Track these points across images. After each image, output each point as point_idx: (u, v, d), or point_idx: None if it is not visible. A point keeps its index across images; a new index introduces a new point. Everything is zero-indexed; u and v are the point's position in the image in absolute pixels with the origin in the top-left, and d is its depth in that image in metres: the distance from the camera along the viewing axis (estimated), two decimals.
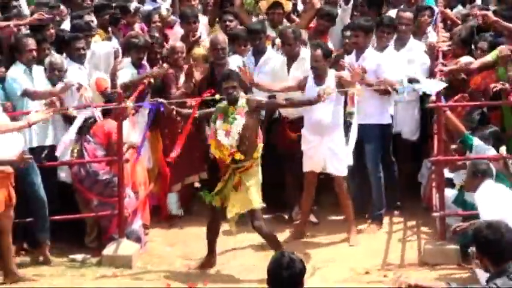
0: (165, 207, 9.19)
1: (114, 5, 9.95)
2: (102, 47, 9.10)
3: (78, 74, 8.60)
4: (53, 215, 7.99)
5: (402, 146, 9.29)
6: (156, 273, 7.91)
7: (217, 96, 7.97)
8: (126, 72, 8.84)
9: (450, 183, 8.12)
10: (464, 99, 8.20)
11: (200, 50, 9.49)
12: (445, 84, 7.94)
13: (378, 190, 8.71)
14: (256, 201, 7.64)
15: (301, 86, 8.25)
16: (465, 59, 8.74)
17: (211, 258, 7.95)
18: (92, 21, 9.56)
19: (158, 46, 9.29)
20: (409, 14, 9.22)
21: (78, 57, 8.68)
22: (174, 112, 7.97)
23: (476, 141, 7.83)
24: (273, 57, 9.08)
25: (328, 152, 8.17)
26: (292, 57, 8.75)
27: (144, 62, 9.10)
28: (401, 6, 9.89)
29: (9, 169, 7.35)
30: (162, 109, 8.16)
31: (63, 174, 8.50)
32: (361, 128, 8.35)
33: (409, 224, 8.84)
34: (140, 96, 8.64)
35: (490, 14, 8.59)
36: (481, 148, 7.79)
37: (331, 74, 8.14)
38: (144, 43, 9.05)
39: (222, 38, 9.06)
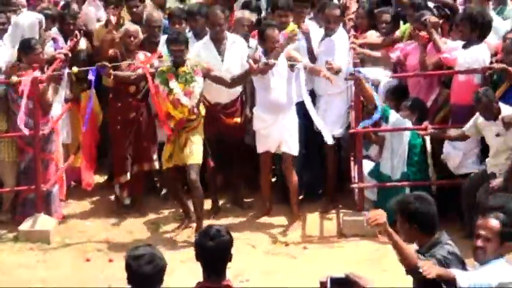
0: (86, 179, 8.88)
1: None
2: (26, 17, 8.82)
3: None
4: None
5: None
6: (76, 248, 7.86)
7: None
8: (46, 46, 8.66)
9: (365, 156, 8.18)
10: None
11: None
12: (388, 74, 8.06)
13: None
14: (197, 157, 7.81)
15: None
16: (370, 34, 8.77)
17: (189, 218, 8.11)
18: None
19: (71, 18, 9.05)
20: (336, 12, 8.59)
21: None
22: (112, 77, 8.02)
23: (393, 114, 7.94)
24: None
25: (284, 130, 8.11)
26: (219, 41, 8.36)
27: (58, 35, 8.89)
28: None
29: None
30: (101, 71, 8.07)
31: None
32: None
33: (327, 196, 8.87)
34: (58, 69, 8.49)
35: None
36: (399, 121, 7.91)
37: (282, 54, 7.99)
38: (56, 13, 8.97)
39: (158, 15, 8.85)
